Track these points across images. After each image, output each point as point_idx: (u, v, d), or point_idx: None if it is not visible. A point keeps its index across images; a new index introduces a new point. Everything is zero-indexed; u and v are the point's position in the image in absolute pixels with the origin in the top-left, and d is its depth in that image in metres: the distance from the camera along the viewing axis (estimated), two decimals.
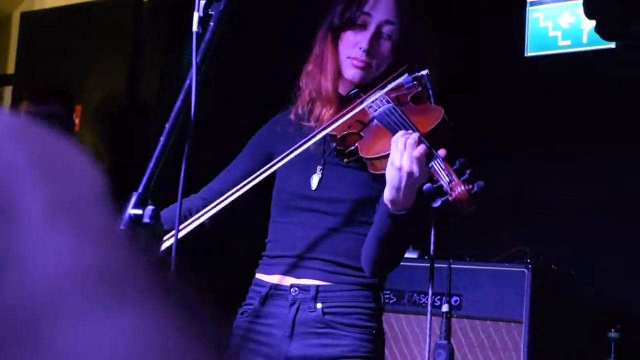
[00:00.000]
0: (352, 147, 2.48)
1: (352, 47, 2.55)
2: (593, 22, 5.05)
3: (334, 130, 2.49)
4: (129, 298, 0.48)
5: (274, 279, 2.56)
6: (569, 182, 5.29)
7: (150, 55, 5.07)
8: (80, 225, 0.50)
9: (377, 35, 2.53)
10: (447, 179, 2.20)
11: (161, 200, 1.82)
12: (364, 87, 2.59)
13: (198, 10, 1.88)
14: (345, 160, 2.53)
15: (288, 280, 2.53)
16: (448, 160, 2.25)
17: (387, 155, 2.30)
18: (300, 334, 2.49)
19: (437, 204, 2.21)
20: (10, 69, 6.23)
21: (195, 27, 1.88)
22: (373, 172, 2.42)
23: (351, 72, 2.57)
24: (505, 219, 5.33)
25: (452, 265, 4.56)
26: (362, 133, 2.48)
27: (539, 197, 5.41)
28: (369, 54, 2.53)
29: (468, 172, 2.20)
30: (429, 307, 3.97)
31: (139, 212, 1.68)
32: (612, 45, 5.21)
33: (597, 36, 5.13)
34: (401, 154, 2.21)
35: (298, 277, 2.52)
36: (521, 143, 5.24)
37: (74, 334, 0.45)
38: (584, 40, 5.48)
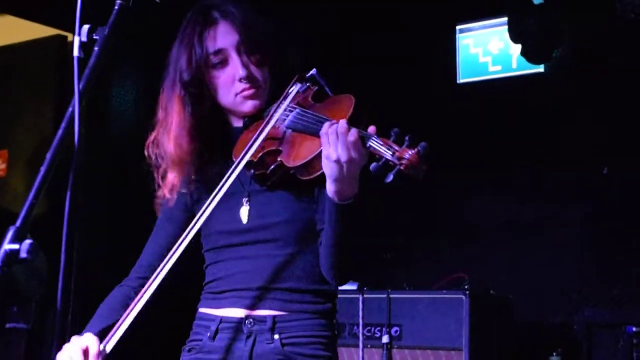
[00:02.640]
0: (275, 164, 2.39)
1: (231, 84, 2.44)
2: (518, 47, 5.12)
3: (235, 157, 2.41)
4: None
5: (223, 312, 2.44)
6: (502, 204, 5.31)
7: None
8: None
9: (243, 60, 2.42)
10: (390, 152, 2.11)
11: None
12: (255, 115, 2.51)
13: (79, 35, 1.80)
14: (268, 183, 2.43)
15: (241, 312, 2.40)
16: (381, 135, 2.17)
17: (318, 155, 2.23)
18: None
19: (390, 178, 2.11)
20: None
21: (76, 52, 1.80)
22: (307, 177, 2.33)
23: (249, 105, 2.47)
24: (442, 245, 5.32)
25: (391, 295, 4.51)
26: (280, 148, 2.38)
27: (472, 221, 5.43)
28: (251, 79, 2.43)
29: (407, 138, 2.12)
30: (361, 337, 3.93)
31: (16, 247, 1.58)
32: (541, 69, 5.26)
33: (525, 61, 5.19)
34: (335, 145, 2.14)
35: (251, 309, 2.40)
36: (455, 168, 5.23)
37: None
38: (514, 66, 5.51)
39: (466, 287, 4.47)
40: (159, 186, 2.53)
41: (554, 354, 4.57)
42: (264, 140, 2.36)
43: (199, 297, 2.55)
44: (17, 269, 1.57)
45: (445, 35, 5.72)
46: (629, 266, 5.06)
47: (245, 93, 2.44)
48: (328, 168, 2.17)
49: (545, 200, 5.23)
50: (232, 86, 2.44)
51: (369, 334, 4.55)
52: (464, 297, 4.40)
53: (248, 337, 2.37)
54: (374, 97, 2.50)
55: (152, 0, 1.94)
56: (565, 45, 5.02)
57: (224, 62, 2.43)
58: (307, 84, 2.46)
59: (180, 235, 2.39)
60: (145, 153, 2.55)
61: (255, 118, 2.49)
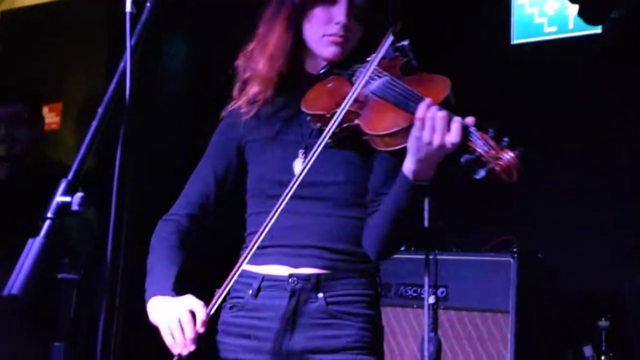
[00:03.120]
0: (349, 124, 2.35)
1: (327, 23, 2.41)
2: (575, 7, 5.05)
3: (316, 109, 2.39)
4: None
5: (265, 269, 2.42)
6: (555, 171, 5.24)
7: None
8: None
9: (348, 6, 2.39)
10: (486, 148, 2.11)
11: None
12: (329, 69, 2.49)
13: None
14: (332, 140, 2.37)
15: (284, 270, 2.39)
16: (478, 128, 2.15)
17: (402, 130, 2.22)
18: (302, 326, 2.37)
19: (481, 175, 2.11)
20: None
21: (128, 8, 1.80)
22: (382, 148, 2.31)
23: (330, 50, 2.44)
24: (491, 209, 5.28)
25: (438, 257, 4.50)
26: (358, 111, 2.34)
27: (524, 187, 5.37)
28: (346, 28, 2.40)
29: (506, 139, 2.12)
30: (426, 300, 3.94)
31: (68, 199, 1.59)
32: (598, 30, 5.17)
33: (582, 22, 5.11)
34: (431, 130, 2.12)
35: (295, 267, 2.38)
36: (507, 132, 5.18)
37: None
38: (570, 26, 5.43)
39: (514, 250, 4.45)
40: (234, 97, 2.56)
41: (603, 319, 4.53)
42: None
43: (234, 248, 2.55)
44: (68, 221, 1.59)
45: None
46: None
47: (334, 38, 2.41)
48: (415, 148, 2.18)
49: (594, 169, 5.16)
50: (326, 25, 2.41)
51: (415, 294, 4.56)
52: (512, 259, 4.37)
53: (292, 295, 2.36)
54: (425, 59, 2.47)
55: None
56: (624, 6, 4.93)
57: (330, 2, 2.40)
58: (397, 54, 2.42)
59: (227, 172, 2.51)
60: (236, 63, 2.55)
61: (329, 72, 2.47)
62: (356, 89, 2.32)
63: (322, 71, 2.48)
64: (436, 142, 2.11)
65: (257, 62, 2.47)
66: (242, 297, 2.45)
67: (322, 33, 2.41)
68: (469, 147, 2.13)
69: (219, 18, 5.07)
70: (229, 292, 2.42)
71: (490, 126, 2.15)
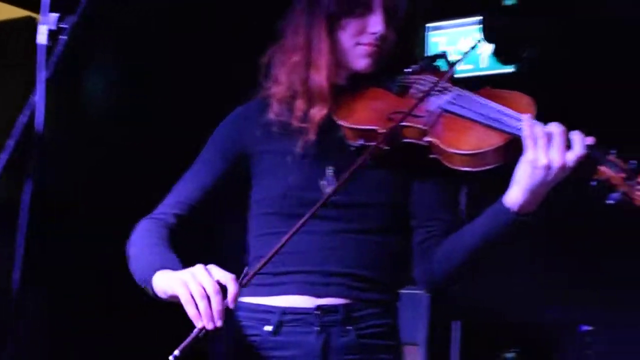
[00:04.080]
0: (414, 142, 2.15)
1: (361, 32, 2.23)
2: (491, 47, 5.15)
3: (365, 123, 2.20)
4: None
5: (285, 300, 2.18)
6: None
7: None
8: None
9: (385, 17, 2.22)
10: (617, 167, 1.93)
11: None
12: (358, 80, 2.31)
13: (48, 23, 1.79)
14: (373, 158, 2.15)
15: (309, 301, 2.16)
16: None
17: (493, 150, 2.04)
18: None
19: (615, 199, 1.93)
20: None
21: (44, 41, 1.79)
22: (465, 168, 2.09)
23: (363, 62, 2.26)
24: None
25: None
26: (426, 127, 2.14)
27: None
28: (382, 38, 2.22)
29: (634, 162, 1.95)
30: None
31: None
32: (510, 69, 5.28)
33: (495, 60, 5.22)
34: (547, 147, 1.94)
35: (320, 297, 2.16)
36: None
37: None
38: (483, 65, 5.53)
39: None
40: (274, 112, 2.30)
41: (510, 351, 4.59)
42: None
43: None
44: None
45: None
46: (580, 270, 5.11)
47: (370, 49, 2.24)
48: (529, 175, 1.98)
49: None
50: (359, 35, 2.24)
51: None
52: (424, 294, 4.40)
53: (320, 330, 2.16)
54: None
55: None
56: (536, 47, 5.05)
57: (366, 6, 2.23)
58: (436, 65, 2.29)
59: (222, 178, 2.27)
60: (275, 76, 2.33)
61: (360, 81, 2.29)
62: (419, 101, 2.14)
63: (352, 82, 2.31)
64: (556, 161, 1.94)
65: (308, 77, 2.27)
66: (257, 335, 2.20)
67: (356, 42, 2.25)
68: (594, 169, 1.96)
69: (143, 45, 5.06)
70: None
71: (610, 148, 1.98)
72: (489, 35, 5.05)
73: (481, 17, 5.11)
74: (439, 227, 2.22)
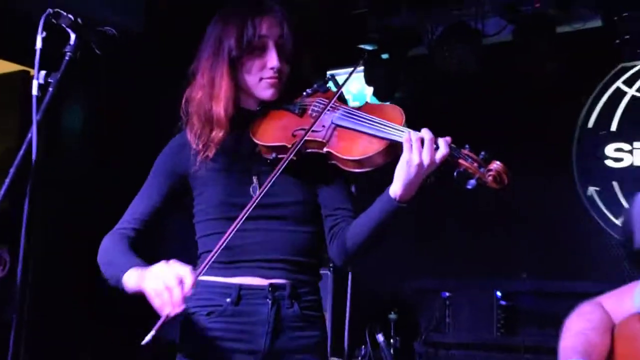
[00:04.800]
0: (316, 152, 2.10)
1: (261, 69, 2.17)
2: (371, 88, 5.20)
3: (275, 141, 2.12)
4: None
5: (242, 280, 2.13)
6: None
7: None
8: None
9: (278, 52, 2.16)
10: (472, 159, 1.93)
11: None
12: (267, 104, 2.23)
13: (37, 79, 1.77)
14: (289, 166, 2.09)
15: (262, 281, 2.12)
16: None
17: (376, 154, 2.00)
18: (281, 329, 2.12)
19: (472, 185, 1.92)
20: None
21: (35, 92, 1.77)
22: (355, 169, 2.06)
23: (268, 92, 2.19)
24: None
25: None
26: (323, 139, 2.09)
27: None
28: (279, 70, 2.16)
29: (483, 153, 1.95)
30: None
31: None
32: (387, 104, 5.32)
33: (376, 99, 5.27)
34: (420, 150, 1.92)
35: (270, 278, 2.12)
36: None
37: None
38: (368, 101, 5.52)
39: (331, 265, 4.46)
40: (190, 139, 2.21)
41: (392, 312, 4.61)
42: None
43: None
44: None
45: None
46: (441, 251, 5.17)
47: (270, 81, 2.17)
48: (406, 171, 1.96)
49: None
50: (261, 71, 2.18)
51: None
52: (329, 272, 4.42)
53: (273, 302, 2.12)
54: None
55: (94, 52, 1.91)
56: (403, 89, 5.13)
57: (262, 48, 2.17)
58: (327, 87, 2.20)
59: (167, 196, 2.19)
60: (187, 110, 2.23)
61: (268, 106, 2.23)
62: (315, 121, 2.09)
63: (260, 107, 2.23)
64: (426, 160, 1.93)
65: (210, 108, 2.19)
66: (220, 305, 2.14)
67: (259, 77, 2.18)
68: (455, 162, 1.95)
69: (106, 90, 5.03)
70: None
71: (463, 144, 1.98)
72: (369, 80, 5.11)
73: (363, 67, 5.15)
74: (343, 214, 2.19)
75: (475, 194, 1.99)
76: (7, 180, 1.67)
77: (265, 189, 2.03)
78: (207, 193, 2.20)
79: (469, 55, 4.66)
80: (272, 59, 2.16)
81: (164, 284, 1.85)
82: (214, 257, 1.97)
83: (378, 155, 2.02)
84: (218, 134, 2.17)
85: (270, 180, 2.03)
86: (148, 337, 1.80)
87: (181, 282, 1.84)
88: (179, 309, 1.83)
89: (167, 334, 2.03)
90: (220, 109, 2.17)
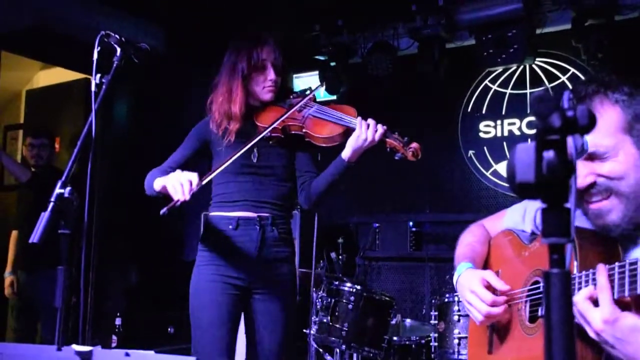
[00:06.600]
0: (297, 132, 2.18)
1: (264, 81, 2.23)
2: (323, 87, 5.11)
3: (269, 123, 2.18)
4: None
5: (238, 214, 2.18)
6: None
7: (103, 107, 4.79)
8: None
9: (275, 70, 2.23)
10: (399, 140, 2.02)
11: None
12: (267, 103, 2.29)
13: (95, 79, 1.72)
14: (271, 142, 2.22)
15: (253, 214, 2.17)
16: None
17: (337, 135, 2.10)
18: (266, 246, 2.17)
19: (399, 157, 2.03)
20: (21, 119, 5.72)
21: (93, 88, 1.72)
22: (323, 144, 2.14)
23: (268, 96, 2.25)
24: None
25: None
26: (302, 124, 2.17)
27: None
28: (275, 82, 2.23)
29: (406, 137, 2.05)
30: None
31: (62, 191, 1.51)
32: (334, 97, 5.22)
33: (327, 93, 5.17)
34: (366, 132, 2.02)
35: (259, 212, 2.17)
36: None
37: None
38: (321, 95, 5.34)
39: (298, 207, 4.40)
40: (214, 123, 2.27)
41: (340, 238, 4.61)
42: (288, 118, 2.17)
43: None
44: (63, 202, 1.50)
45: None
46: (374, 193, 5.14)
47: (270, 88, 2.26)
48: (354, 142, 2.06)
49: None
50: (264, 82, 2.24)
51: None
52: (297, 212, 4.34)
53: (260, 228, 2.17)
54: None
55: (133, 61, 1.85)
56: (345, 87, 5.06)
57: (263, 67, 2.25)
58: (306, 92, 2.28)
59: (195, 152, 2.25)
60: (212, 109, 2.29)
61: (266, 104, 2.28)
62: (288, 110, 2.17)
63: (261, 105, 2.29)
64: (369, 137, 2.02)
65: (229, 108, 2.25)
66: (224, 230, 2.19)
67: (263, 86, 2.25)
68: (387, 142, 2.04)
69: (143, 88, 4.89)
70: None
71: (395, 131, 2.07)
72: (322, 81, 5.05)
73: (318, 72, 5.11)
74: (310, 175, 2.27)
75: (398, 161, 2.10)
76: (75, 151, 1.62)
77: (251, 147, 2.12)
78: (221, 156, 2.24)
79: (388, 63, 4.70)
80: (271, 74, 2.25)
81: (178, 181, 1.94)
82: (211, 175, 2.07)
83: (338, 136, 2.13)
84: (235, 125, 2.24)
85: (255, 142, 2.12)
86: (164, 210, 1.88)
87: (189, 182, 1.93)
88: (186, 197, 1.91)
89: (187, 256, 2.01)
90: (236, 108, 2.24)
